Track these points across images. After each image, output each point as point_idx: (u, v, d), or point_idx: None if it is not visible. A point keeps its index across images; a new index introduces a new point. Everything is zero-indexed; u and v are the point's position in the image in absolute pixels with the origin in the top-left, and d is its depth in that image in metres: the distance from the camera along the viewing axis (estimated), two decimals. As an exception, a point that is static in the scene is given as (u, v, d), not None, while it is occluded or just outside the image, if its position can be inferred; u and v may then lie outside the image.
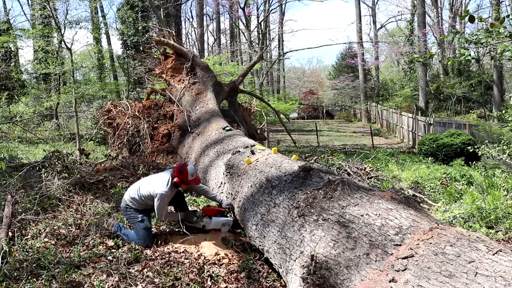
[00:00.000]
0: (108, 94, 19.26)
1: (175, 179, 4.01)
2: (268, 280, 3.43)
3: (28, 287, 3.01)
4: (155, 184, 4.06)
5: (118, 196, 5.36)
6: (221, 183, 4.79)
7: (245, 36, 27.24)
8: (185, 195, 5.69)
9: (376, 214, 2.53)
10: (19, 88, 19.80)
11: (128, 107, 8.60)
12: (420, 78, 23.79)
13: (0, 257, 3.19)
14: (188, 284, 3.28)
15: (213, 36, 35.03)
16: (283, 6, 33.59)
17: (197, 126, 7.32)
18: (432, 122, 17.89)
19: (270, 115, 17.25)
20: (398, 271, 2.09)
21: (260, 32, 29.45)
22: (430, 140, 12.17)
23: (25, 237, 3.89)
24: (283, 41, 37.63)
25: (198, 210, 4.57)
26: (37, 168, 5.82)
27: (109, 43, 25.62)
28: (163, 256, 3.73)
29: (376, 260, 2.27)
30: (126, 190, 5.63)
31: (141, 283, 3.26)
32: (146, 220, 4.10)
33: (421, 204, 5.60)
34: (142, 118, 8.17)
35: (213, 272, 3.49)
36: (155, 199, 3.99)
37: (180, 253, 3.84)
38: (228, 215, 4.48)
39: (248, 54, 29.37)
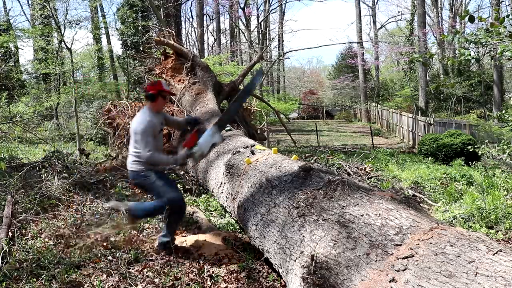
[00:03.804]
0: (108, 94, 19.25)
1: (151, 91, 3.52)
2: (268, 280, 3.43)
3: (28, 287, 3.01)
4: (134, 125, 3.49)
5: (118, 196, 5.36)
6: (221, 183, 4.79)
7: (245, 36, 27.25)
8: (185, 195, 5.68)
9: (376, 214, 2.53)
10: (19, 88, 19.78)
11: (128, 107, 8.59)
12: (420, 78, 23.78)
13: (0, 257, 3.19)
14: (188, 284, 3.28)
15: (213, 36, 35.00)
16: (283, 6, 33.63)
17: (197, 126, 7.32)
18: (432, 122, 17.89)
19: (270, 115, 17.22)
20: (398, 271, 2.09)
21: (260, 32, 29.46)
22: (430, 140, 12.17)
23: (25, 237, 3.89)
24: (283, 41, 37.62)
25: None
26: (37, 168, 5.81)
27: (109, 43, 25.59)
28: (163, 256, 3.73)
29: (376, 260, 2.26)
30: (126, 190, 5.66)
31: (141, 283, 3.25)
32: (161, 177, 3.57)
33: (421, 204, 5.60)
34: (142, 118, 8.15)
35: (213, 272, 3.49)
36: (138, 139, 3.39)
37: (180, 253, 3.84)
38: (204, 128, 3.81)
39: (248, 54, 29.36)
